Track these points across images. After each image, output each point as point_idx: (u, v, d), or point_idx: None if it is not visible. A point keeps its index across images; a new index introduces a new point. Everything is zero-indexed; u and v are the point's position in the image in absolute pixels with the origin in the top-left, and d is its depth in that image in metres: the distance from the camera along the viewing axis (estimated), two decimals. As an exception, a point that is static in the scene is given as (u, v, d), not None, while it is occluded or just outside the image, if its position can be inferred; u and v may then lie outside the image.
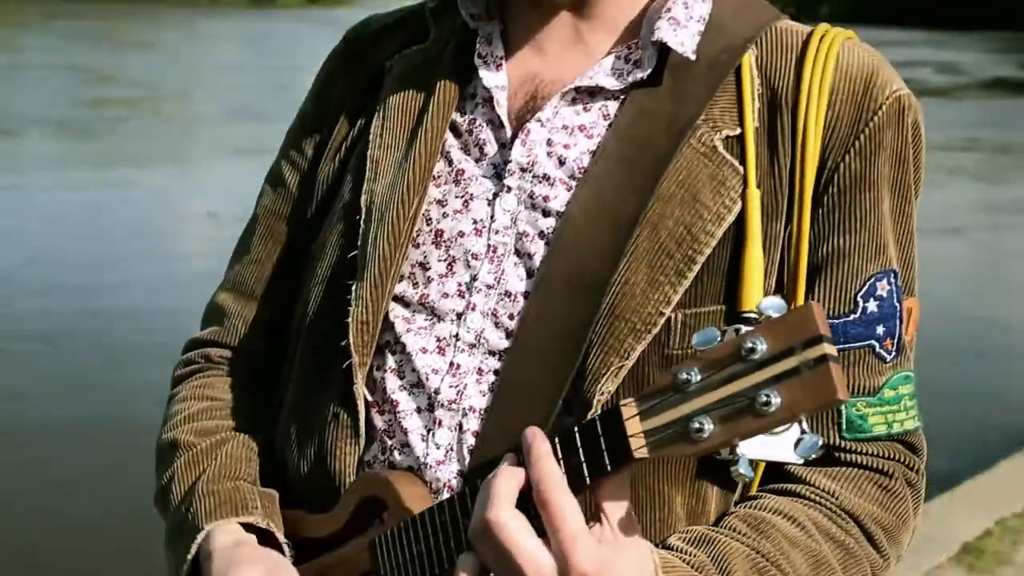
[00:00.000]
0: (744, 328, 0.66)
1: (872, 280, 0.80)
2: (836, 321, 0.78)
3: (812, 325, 0.64)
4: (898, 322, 0.80)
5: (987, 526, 3.64)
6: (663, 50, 0.82)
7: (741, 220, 0.79)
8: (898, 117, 0.82)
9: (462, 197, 0.85)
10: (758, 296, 0.77)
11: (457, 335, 0.83)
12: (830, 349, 0.63)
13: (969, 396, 5.35)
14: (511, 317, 0.81)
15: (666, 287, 0.77)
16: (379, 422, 0.84)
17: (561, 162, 0.84)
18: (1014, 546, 3.58)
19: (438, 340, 0.84)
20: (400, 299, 0.85)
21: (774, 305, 0.66)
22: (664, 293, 0.77)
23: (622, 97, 0.84)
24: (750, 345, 0.64)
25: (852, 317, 0.79)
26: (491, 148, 0.86)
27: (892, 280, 0.81)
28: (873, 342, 0.79)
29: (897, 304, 0.80)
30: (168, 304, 6.36)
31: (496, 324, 0.82)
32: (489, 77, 0.86)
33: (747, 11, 0.86)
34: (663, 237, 0.78)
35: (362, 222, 0.86)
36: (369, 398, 0.84)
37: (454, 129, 0.88)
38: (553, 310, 0.79)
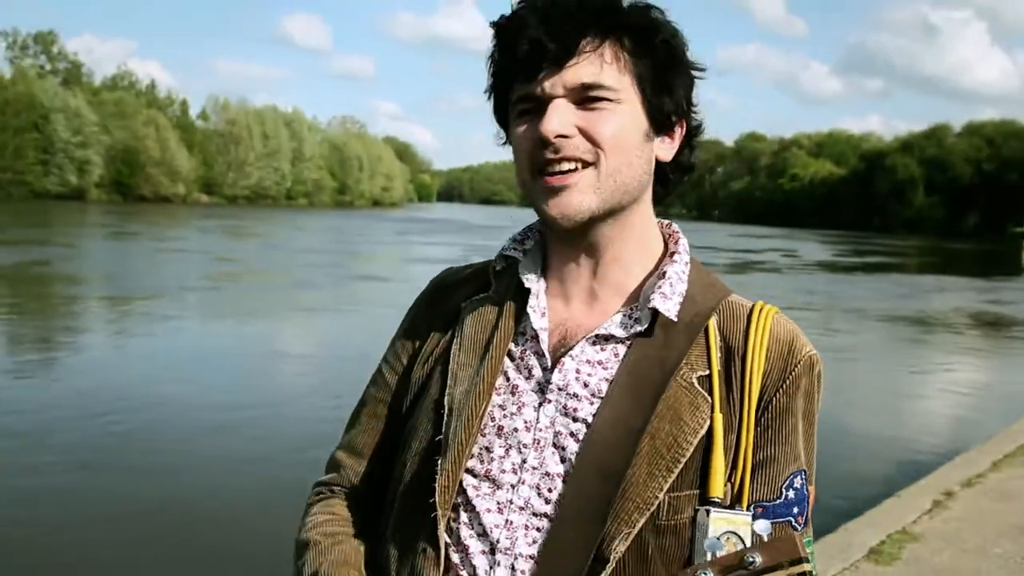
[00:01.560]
0: (712, 510, 1.02)
1: (791, 477, 1.07)
2: (768, 504, 1.05)
3: (796, 551, 0.94)
4: (806, 505, 1.08)
5: (881, 538, 4.92)
6: (655, 313, 1.09)
7: (710, 433, 1.05)
8: (810, 369, 1.10)
9: (516, 404, 1.11)
10: (721, 486, 1.04)
11: (511, 500, 1.08)
12: (808, 567, 0.94)
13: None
14: (550, 491, 1.07)
15: (659, 478, 1.03)
16: (455, 558, 1.09)
17: (585, 385, 1.09)
18: (900, 549, 4.82)
19: (498, 503, 1.08)
20: (471, 471, 1.10)
21: (765, 528, 1.00)
22: (658, 483, 1.02)
23: (628, 343, 1.10)
24: (751, 559, 0.93)
25: (778, 501, 1.06)
26: (537, 372, 1.12)
27: (803, 476, 1.08)
28: (790, 518, 1.06)
29: (806, 492, 1.08)
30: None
31: (539, 495, 1.07)
32: (537, 321, 1.13)
33: (710, 290, 1.14)
34: (658, 444, 1.04)
35: (446, 416, 1.11)
36: (448, 540, 1.08)
37: (510, 355, 1.14)
38: (584, 490, 1.04)
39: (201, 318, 14.66)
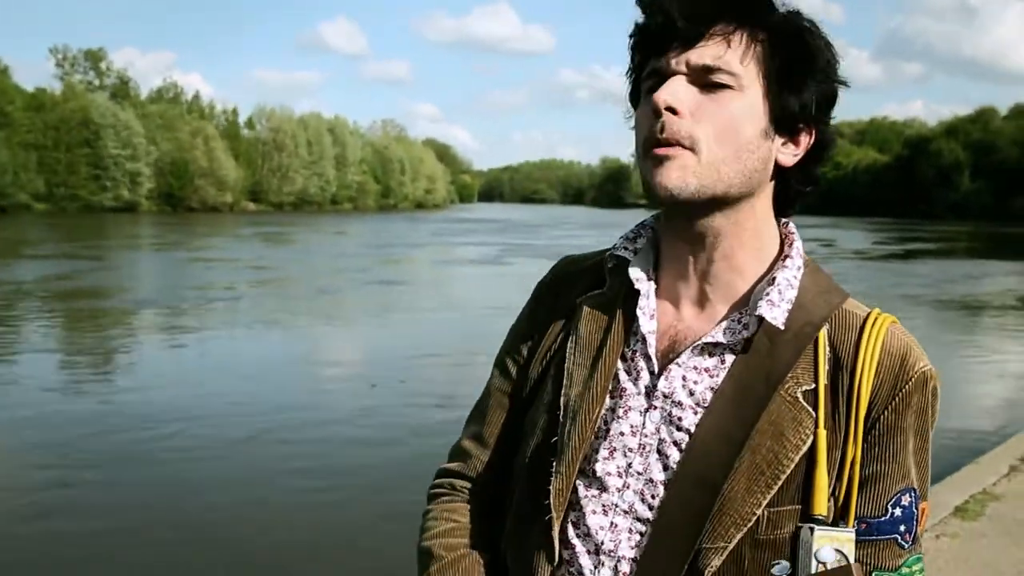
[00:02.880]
0: (816, 527, 1.01)
1: (898, 495, 1.04)
2: (874, 520, 1.04)
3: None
4: (915, 522, 1.05)
5: (965, 498, 5.40)
6: (762, 320, 1.06)
7: (813, 449, 1.02)
8: (923, 386, 1.05)
9: (624, 408, 1.10)
10: (824, 503, 1.02)
11: (616, 504, 1.08)
12: None
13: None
14: (653, 496, 1.06)
15: (758, 495, 1.01)
16: (566, 555, 1.11)
17: (691, 393, 1.07)
18: (983, 507, 5.28)
19: (603, 506, 1.09)
20: (583, 472, 1.10)
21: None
22: (757, 499, 1.01)
23: (736, 350, 1.07)
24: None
25: (884, 518, 1.04)
26: (645, 376, 1.10)
27: (912, 495, 1.05)
28: (896, 536, 1.04)
29: (915, 510, 1.05)
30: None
31: (642, 500, 1.07)
32: (646, 324, 1.11)
33: (824, 296, 1.09)
34: (758, 459, 1.02)
35: (561, 417, 1.11)
36: (559, 539, 1.10)
37: (622, 356, 1.12)
38: (683, 499, 1.04)
39: (222, 327, 14.44)
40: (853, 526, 1.04)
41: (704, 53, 1.03)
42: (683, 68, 1.04)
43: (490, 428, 1.25)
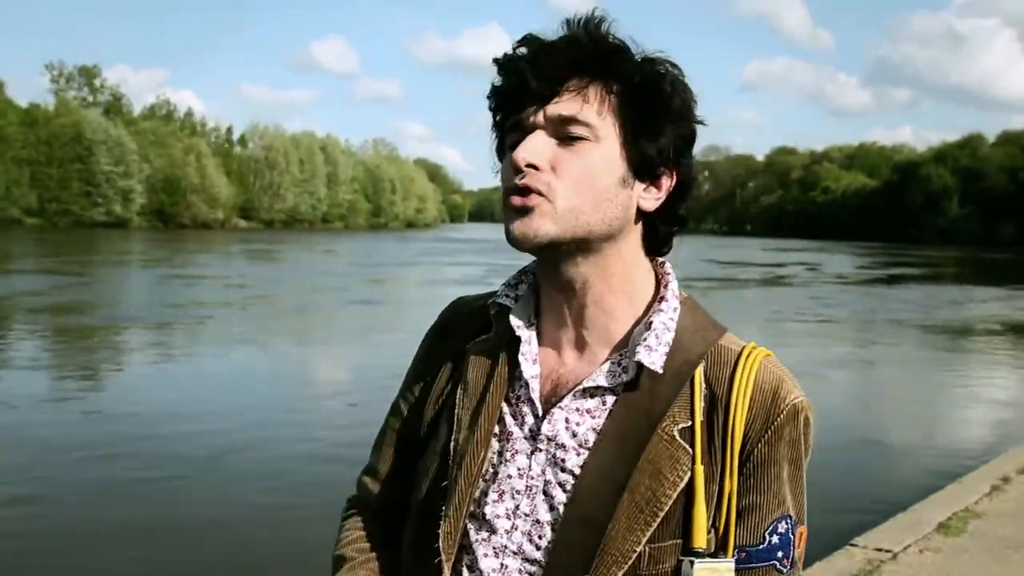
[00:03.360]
0: (696, 560, 1.04)
1: (774, 522, 1.08)
2: (752, 549, 1.07)
3: None
4: (791, 547, 1.09)
5: (948, 515, 5.48)
6: (641, 364, 1.08)
7: (691, 485, 1.05)
8: (794, 417, 1.09)
9: (511, 451, 1.12)
10: (703, 536, 1.05)
11: (506, 545, 1.11)
12: None
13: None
14: (540, 537, 1.09)
15: (638, 532, 1.04)
16: None
17: (574, 435, 1.09)
18: (965, 524, 5.35)
19: (494, 548, 1.11)
20: (473, 516, 1.13)
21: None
22: (637, 536, 1.04)
23: (617, 391, 1.10)
24: None
25: (762, 546, 1.08)
26: (529, 419, 1.12)
27: (788, 521, 1.09)
28: (774, 562, 1.08)
29: (791, 535, 1.09)
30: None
31: (531, 541, 1.10)
32: (528, 369, 1.13)
33: (700, 335, 1.12)
34: (637, 498, 1.05)
35: (451, 462, 1.14)
36: None
37: (508, 400, 1.14)
38: (570, 539, 1.07)
39: (197, 345, 14.23)
40: (733, 556, 1.07)
41: (560, 107, 1.06)
42: (541, 121, 1.07)
43: (385, 466, 1.29)
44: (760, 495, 1.09)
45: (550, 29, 1.11)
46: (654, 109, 1.08)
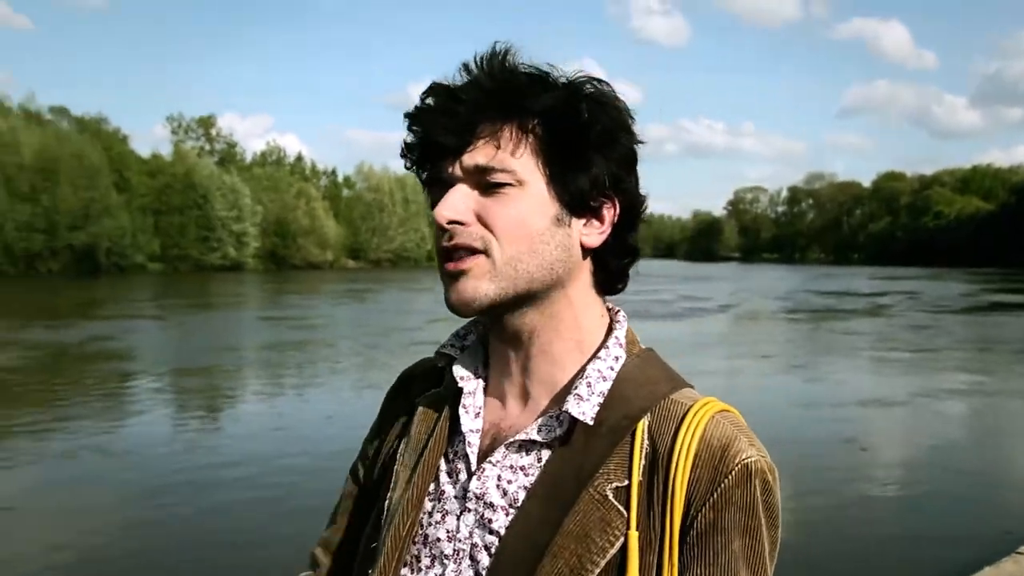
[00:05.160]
0: None
1: None
2: None
3: None
4: None
5: None
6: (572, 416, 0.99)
7: (624, 551, 0.93)
8: (746, 479, 0.94)
9: (441, 512, 1.03)
10: None
11: None
12: None
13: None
14: None
15: None
16: None
17: (504, 493, 1.00)
18: None
19: None
20: None
21: None
22: None
23: (553, 447, 1.01)
24: None
25: None
26: (463, 477, 1.03)
27: None
28: None
29: None
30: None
31: None
32: (467, 422, 1.05)
33: (648, 387, 1.01)
34: (560, 564, 0.94)
35: (382, 523, 1.06)
36: None
37: (446, 456, 1.06)
38: None
39: (253, 387, 13.77)
40: None
41: (475, 156, 0.99)
42: (459, 174, 1.00)
43: (337, 535, 1.20)
44: (705, 568, 0.94)
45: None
46: (576, 139, 0.99)
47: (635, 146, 1.04)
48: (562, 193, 1.00)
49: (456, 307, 1.01)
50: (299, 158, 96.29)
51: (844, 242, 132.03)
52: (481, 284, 0.99)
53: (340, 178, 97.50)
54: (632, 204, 1.05)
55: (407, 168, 1.08)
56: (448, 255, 1.00)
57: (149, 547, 6.35)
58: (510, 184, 0.99)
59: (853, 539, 6.81)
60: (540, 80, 1.01)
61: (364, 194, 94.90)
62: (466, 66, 1.02)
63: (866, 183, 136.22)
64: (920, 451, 10.05)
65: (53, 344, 18.57)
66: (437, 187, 1.02)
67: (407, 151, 1.05)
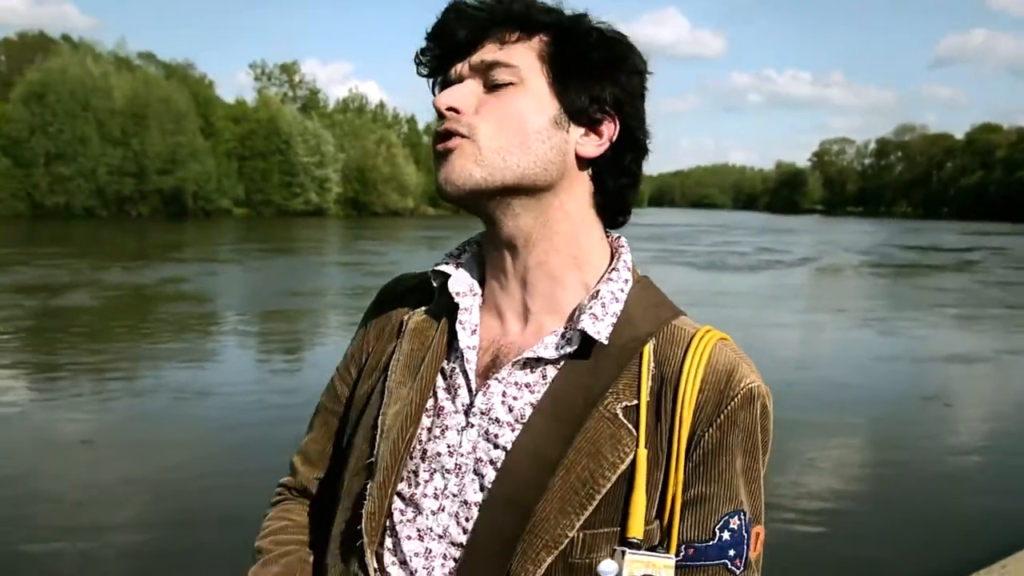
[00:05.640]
0: (628, 551, 0.94)
1: (726, 517, 0.98)
2: (699, 544, 0.97)
3: None
4: (745, 547, 0.98)
5: None
6: (586, 334, 1.00)
7: (632, 467, 0.96)
8: (749, 403, 0.99)
9: (441, 427, 1.04)
10: (640, 526, 0.95)
11: (431, 528, 1.01)
12: None
13: None
14: (467, 520, 1.00)
15: (571, 515, 0.95)
16: None
17: (510, 410, 1.01)
18: None
19: (419, 530, 1.02)
20: (400, 495, 1.04)
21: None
22: (570, 520, 0.95)
23: (558, 365, 1.02)
24: None
25: (711, 542, 0.97)
26: (463, 393, 1.04)
27: (741, 517, 0.98)
28: (725, 561, 0.97)
29: (745, 534, 0.98)
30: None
31: (457, 523, 1.00)
32: (465, 339, 1.06)
33: (652, 312, 1.04)
34: (572, 479, 0.96)
35: (378, 437, 1.06)
36: (375, 565, 1.03)
37: (443, 373, 1.07)
38: (495, 523, 0.98)
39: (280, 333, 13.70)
40: (679, 551, 0.97)
41: (483, 54, 1.03)
42: (466, 71, 1.03)
43: (316, 446, 1.22)
44: (709, 485, 0.98)
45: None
46: (581, 54, 1.02)
47: (642, 83, 1.06)
48: (563, 95, 1.02)
49: (443, 187, 1.02)
50: (380, 105, 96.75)
51: (933, 196, 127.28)
52: (467, 165, 1.00)
53: (420, 125, 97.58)
54: (633, 128, 1.05)
55: (420, 75, 1.08)
56: (439, 138, 1.02)
57: (222, 483, 6.41)
58: (512, 83, 1.01)
59: (936, 493, 6.60)
60: (554, 8, 1.04)
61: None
62: None
63: (959, 135, 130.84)
64: (1006, 408, 9.70)
65: (135, 284, 19.06)
66: (444, 88, 1.05)
67: (421, 56, 1.06)
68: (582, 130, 1.04)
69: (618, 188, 1.08)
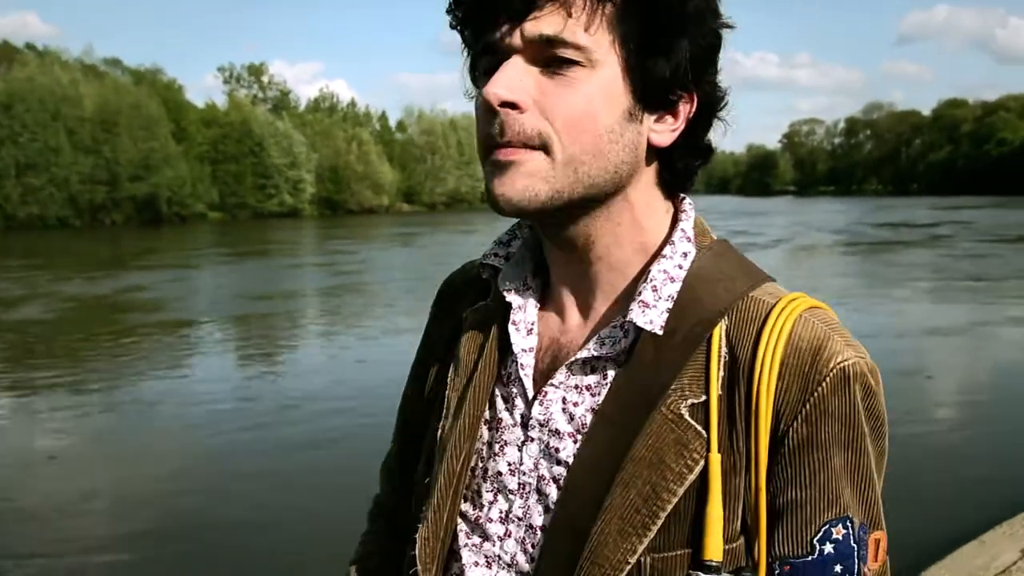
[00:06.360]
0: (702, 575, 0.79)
1: (826, 526, 0.82)
2: (796, 561, 0.82)
3: None
4: (856, 560, 0.82)
5: None
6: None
7: (705, 477, 0.82)
8: (844, 386, 0.83)
9: (499, 443, 0.93)
10: (718, 545, 0.81)
11: (499, 555, 0.92)
12: None
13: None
14: (533, 547, 0.89)
15: (632, 538, 0.82)
16: None
17: (571, 418, 0.89)
18: None
19: (486, 557, 0.92)
20: (464, 516, 0.94)
21: None
22: (631, 543, 0.82)
23: (619, 361, 0.89)
24: None
25: (810, 558, 0.82)
26: (520, 402, 0.93)
27: (847, 525, 0.82)
28: None
29: (854, 544, 0.82)
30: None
31: (523, 551, 0.90)
32: (518, 341, 0.94)
33: (725, 284, 0.88)
34: (632, 495, 0.83)
35: (437, 454, 0.96)
36: None
37: (500, 380, 0.96)
38: (557, 550, 0.86)
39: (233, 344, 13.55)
40: (771, 572, 0.82)
41: (540, 24, 0.81)
42: (518, 43, 0.83)
43: (396, 458, 1.14)
44: (802, 490, 0.82)
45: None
46: (663, 14, 0.83)
47: (720, 39, 0.88)
48: (638, 82, 0.84)
49: (501, 205, 0.85)
50: (352, 103, 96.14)
51: (903, 173, 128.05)
52: (534, 183, 0.84)
53: (392, 123, 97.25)
54: (711, 99, 0.89)
55: (452, 27, 0.88)
56: (497, 144, 0.84)
57: (200, 490, 6.31)
58: (579, 63, 0.82)
59: (925, 466, 6.56)
60: None
61: (416, 137, 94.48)
62: None
63: (926, 112, 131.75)
64: (986, 377, 9.76)
65: (102, 294, 18.77)
66: (487, 56, 0.85)
67: (454, 6, 0.86)
68: (656, 115, 0.88)
69: (688, 168, 0.93)
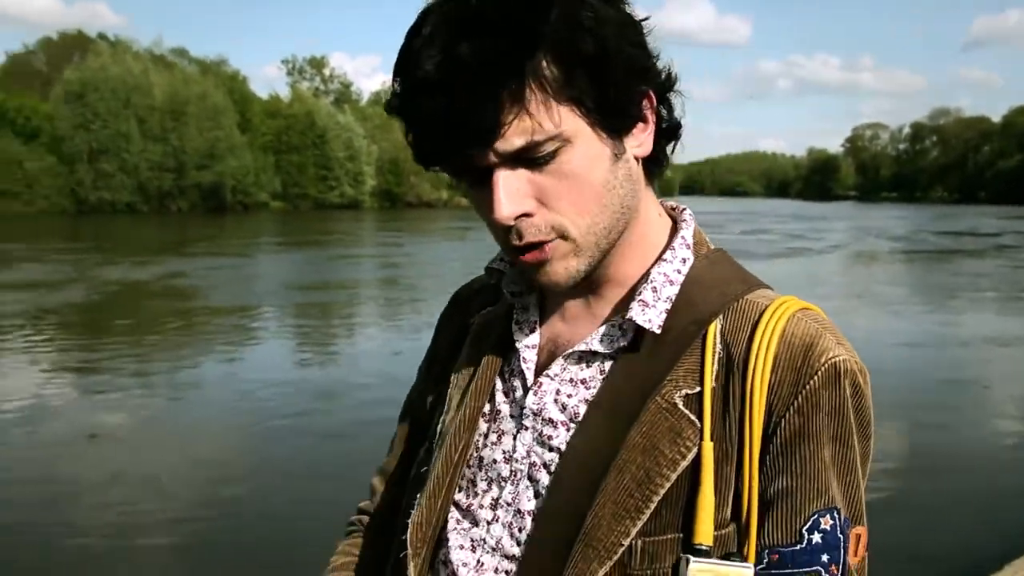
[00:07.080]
0: (693, 559, 0.83)
1: (815, 516, 0.84)
2: (785, 549, 0.84)
3: None
4: (842, 551, 0.85)
5: None
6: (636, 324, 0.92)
7: (697, 464, 0.85)
8: (834, 380, 0.85)
9: (497, 432, 0.98)
10: (708, 530, 0.84)
11: (484, 539, 0.95)
12: None
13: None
14: (521, 531, 0.92)
15: (626, 521, 0.85)
16: None
17: (563, 408, 0.94)
18: None
19: (472, 540, 0.96)
20: (457, 505, 0.98)
21: None
22: (624, 526, 0.85)
23: (616, 357, 0.94)
24: None
25: (799, 547, 0.84)
26: (519, 394, 0.98)
27: (835, 515, 0.85)
28: (819, 568, 0.84)
29: (840, 536, 0.84)
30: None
31: (511, 535, 0.93)
32: (521, 338, 1.00)
33: (720, 288, 0.93)
34: (626, 479, 0.86)
35: (434, 447, 1.02)
36: None
37: (501, 375, 1.01)
38: (548, 534, 0.90)
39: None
40: (760, 559, 0.85)
41: (510, 139, 0.83)
42: (495, 160, 0.85)
43: (393, 462, 1.16)
44: (792, 479, 0.85)
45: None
46: (599, 59, 0.84)
47: (642, 31, 0.91)
48: (607, 125, 0.88)
49: (552, 288, 0.94)
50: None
51: (970, 180, 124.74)
52: (568, 263, 0.91)
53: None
54: (663, 84, 0.93)
55: (417, 162, 0.90)
56: (519, 248, 0.90)
57: (239, 478, 6.48)
58: (559, 148, 0.85)
59: (979, 476, 6.54)
60: (541, 15, 0.82)
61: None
62: (426, 14, 0.86)
63: (995, 119, 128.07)
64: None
65: (168, 276, 19.24)
66: (469, 176, 0.88)
67: (416, 148, 0.87)
68: (629, 135, 0.92)
69: (662, 153, 0.97)
